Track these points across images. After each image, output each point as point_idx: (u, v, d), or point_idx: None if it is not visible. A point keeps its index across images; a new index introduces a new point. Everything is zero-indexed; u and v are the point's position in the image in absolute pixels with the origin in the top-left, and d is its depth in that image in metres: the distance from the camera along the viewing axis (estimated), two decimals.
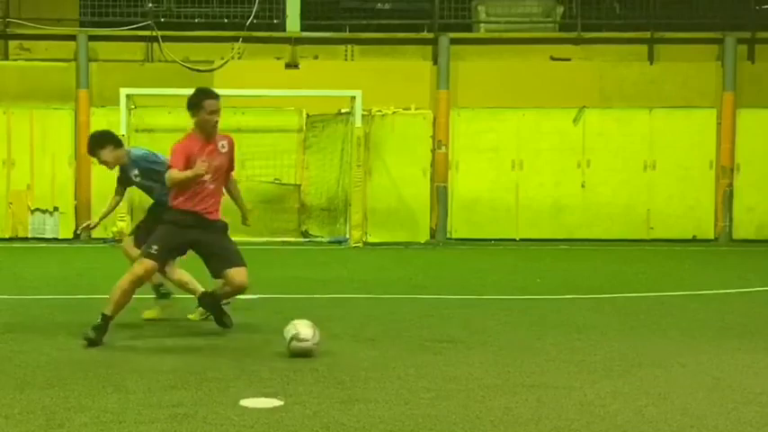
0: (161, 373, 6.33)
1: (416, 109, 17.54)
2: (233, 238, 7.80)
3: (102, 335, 7.26)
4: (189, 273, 8.27)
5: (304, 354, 6.81)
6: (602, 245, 17.02)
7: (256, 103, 17.28)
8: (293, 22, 17.99)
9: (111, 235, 16.73)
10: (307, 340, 6.85)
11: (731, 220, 17.91)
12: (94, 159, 8.51)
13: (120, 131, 16.58)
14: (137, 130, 17.08)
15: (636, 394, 5.87)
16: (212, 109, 7.55)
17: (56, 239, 17.35)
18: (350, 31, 18.40)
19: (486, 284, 11.85)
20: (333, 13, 18.66)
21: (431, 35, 18.09)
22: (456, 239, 17.60)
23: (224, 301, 7.91)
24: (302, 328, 6.89)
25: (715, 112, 17.85)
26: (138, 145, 17.05)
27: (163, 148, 17.65)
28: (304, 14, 18.09)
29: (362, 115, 16.78)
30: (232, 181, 8.07)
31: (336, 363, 6.75)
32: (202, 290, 8.08)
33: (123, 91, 16.51)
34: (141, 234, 8.21)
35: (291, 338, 6.84)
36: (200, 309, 8.28)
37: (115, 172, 8.69)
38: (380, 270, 13.63)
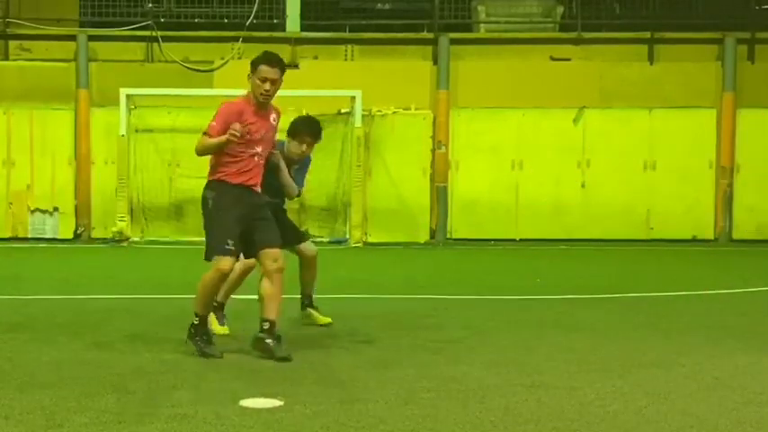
0: (161, 373, 6.33)
1: (416, 109, 17.54)
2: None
3: (205, 335, 6.93)
4: None
5: None
6: (602, 245, 17.01)
7: None
8: (293, 23, 17.98)
9: (111, 235, 16.75)
10: None
11: (731, 220, 17.91)
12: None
13: (121, 131, 16.63)
14: (137, 130, 17.09)
15: (636, 394, 5.87)
16: (264, 76, 6.91)
17: (56, 239, 17.34)
18: (350, 31, 18.39)
19: (486, 284, 11.85)
20: (333, 13, 18.65)
21: (431, 35, 18.09)
22: (456, 239, 17.59)
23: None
24: None
25: (715, 112, 17.84)
26: (138, 144, 17.19)
27: (162, 147, 17.83)
28: (304, 14, 18.09)
29: (362, 115, 16.79)
30: None
31: (336, 363, 6.75)
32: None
33: (123, 91, 16.51)
34: None
35: None
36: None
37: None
38: (380, 270, 13.63)
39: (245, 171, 6.89)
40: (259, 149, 6.94)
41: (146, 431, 4.99)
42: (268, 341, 6.89)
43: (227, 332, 7.77)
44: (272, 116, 7.09)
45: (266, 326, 6.93)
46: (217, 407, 5.45)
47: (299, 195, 8.08)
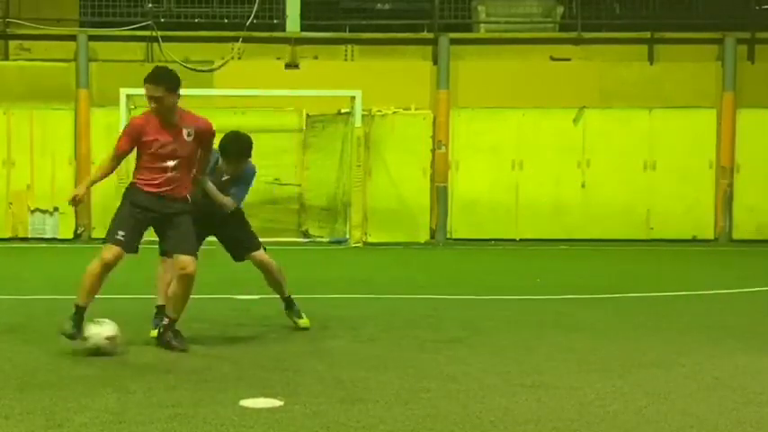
0: (161, 373, 6.33)
1: (416, 109, 17.54)
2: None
3: (78, 326, 6.92)
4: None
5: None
6: (602, 245, 17.02)
7: (256, 103, 17.28)
8: (293, 23, 17.98)
9: None
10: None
11: (731, 220, 17.91)
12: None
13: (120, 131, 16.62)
14: None
15: (636, 394, 5.87)
16: (147, 93, 6.89)
17: (56, 239, 17.35)
18: (350, 31, 18.39)
19: (486, 284, 11.85)
20: (333, 13, 18.65)
21: (431, 35, 18.09)
22: (456, 239, 17.59)
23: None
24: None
25: (715, 112, 17.85)
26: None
27: None
28: (304, 14, 18.09)
29: (362, 115, 16.78)
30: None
31: (336, 363, 6.75)
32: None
33: (123, 91, 16.50)
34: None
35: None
36: None
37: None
38: (380, 270, 13.62)
39: (156, 183, 6.98)
40: (171, 164, 6.97)
41: (146, 431, 5.00)
42: (166, 336, 7.20)
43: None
44: (186, 131, 7.00)
45: (166, 321, 7.21)
46: (217, 407, 5.45)
47: (234, 209, 7.82)
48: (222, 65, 17.63)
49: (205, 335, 7.73)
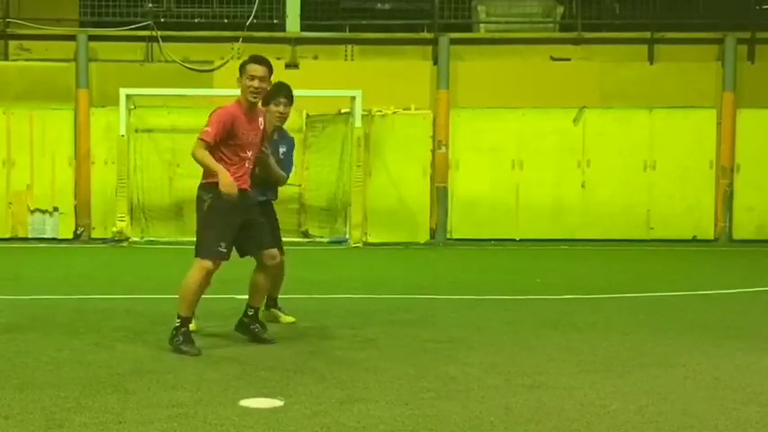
0: (161, 373, 6.33)
1: (416, 109, 17.55)
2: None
3: (183, 335, 7.03)
4: None
5: None
6: (602, 245, 17.02)
7: None
8: (293, 22, 17.99)
9: (111, 235, 16.75)
10: None
11: (731, 220, 17.92)
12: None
13: (120, 131, 16.64)
14: (137, 130, 17.10)
15: (636, 394, 5.87)
16: (253, 74, 7.09)
17: (56, 239, 17.35)
18: (350, 31, 18.40)
19: (486, 284, 11.85)
20: (333, 13, 18.65)
21: (431, 35, 18.10)
22: (456, 239, 17.60)
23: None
24: None
25: (715, 112, 17.86)
26: (138, 144, 17.19)
27: (162, 147, 17.82)
28: (304, 14, 18.09)
29: (362, 115, 16.79)
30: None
31: (336, 363, 6.75)
32: None
33: (123, 91, 16.51)
34: None
35: None
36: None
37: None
38: (380, 270, 13.62)
39: (238, 176, 7.07)
40: (249, 154, 7.19)
41: (146, 431, 4.99)
42: (253, 327, 7.52)
43: (196, 329, 7.74)
44: (260, 119, 7.32)
45: (251, 312, 7.55)
46: (217, 407, 5.45)
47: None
48: (222, 65, 17.62)
49: (205, 334, 7.73)
